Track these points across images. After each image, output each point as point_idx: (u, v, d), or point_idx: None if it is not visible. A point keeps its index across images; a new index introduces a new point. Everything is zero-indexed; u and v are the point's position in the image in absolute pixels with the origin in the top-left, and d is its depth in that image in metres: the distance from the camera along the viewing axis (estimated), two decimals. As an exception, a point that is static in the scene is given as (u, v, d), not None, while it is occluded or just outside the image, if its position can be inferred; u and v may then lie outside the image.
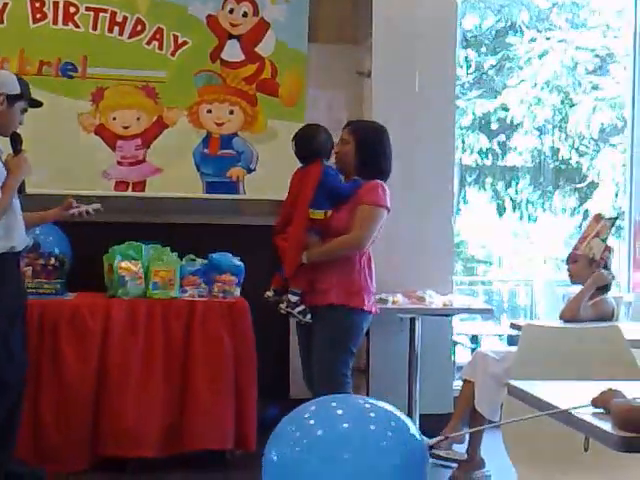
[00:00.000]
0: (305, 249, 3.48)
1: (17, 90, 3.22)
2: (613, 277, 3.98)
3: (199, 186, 4.65)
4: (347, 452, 2.19)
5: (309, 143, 3.58)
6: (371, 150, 3.57)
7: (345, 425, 2.26)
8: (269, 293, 3.56)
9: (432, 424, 3.91)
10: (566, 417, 1.93)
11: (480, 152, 9.67)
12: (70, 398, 3.83)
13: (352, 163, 3.56)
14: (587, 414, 1.87)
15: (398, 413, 2.34)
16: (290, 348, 4.53)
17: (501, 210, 10.07)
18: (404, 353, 4.43)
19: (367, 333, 4.10)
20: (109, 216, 3.91)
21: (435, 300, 4.37)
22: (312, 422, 2.30)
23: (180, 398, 3.94)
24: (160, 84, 4.58)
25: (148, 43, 4.57)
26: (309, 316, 3.50)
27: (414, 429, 2.32)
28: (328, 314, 3.47)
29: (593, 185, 9.58)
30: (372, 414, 2.32)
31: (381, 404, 2.38)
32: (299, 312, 3.49)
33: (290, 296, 3.49)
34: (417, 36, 4.70)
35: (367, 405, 2.39)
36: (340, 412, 2.33)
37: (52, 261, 4.02)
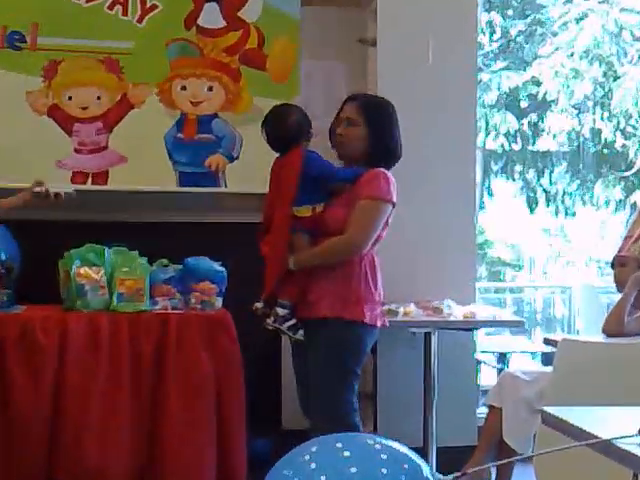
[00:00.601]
0: (292, 252, 3.46)
1: None
2: None
3: (172, 178, 4.66)
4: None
5: (282, 126, 3.56)
6: (385, 133, 3.53)
7: (352, 470, 2.25)
8: (258, 304, 3.53)
9: (452, 459, 3.91)
10: (609, 448, 1.93)
11: (507, 135, 9.70)
12: (20, 430, 3.82)
13: (362, 150, 3.51)
14: (633, 445, 1.88)
15: (410, 453, 2.35)
16: (283, 369, 4.53)
17: (532, 203, 10.10)
18: (418, 375, 4.43)
19: (373, 351, 4.11)
20: (65, 214, 3.93)
21: (455, 311, 4.38)
22: (313, 466, 2.28)
23: (151, 431, 3.94)
24: (125, 56, 4.58)
25: (110, 8, 4.57)
26: (301, 332, 3.48)
27: (427, 471, 2.33)
28: (321, 329, 3.44)
29: (642, 173, 9.62)
30: (383, 456, 2.31)
31: (394, 444, 2.38)
32: (289, 328, 3.47)
33: (278, 309, 3.46)
34: (431, -3, 4.73)
35: (377, 446, 2.37)
36: (347, 454, 2.32)
37: (-3, 268, 4.04)
